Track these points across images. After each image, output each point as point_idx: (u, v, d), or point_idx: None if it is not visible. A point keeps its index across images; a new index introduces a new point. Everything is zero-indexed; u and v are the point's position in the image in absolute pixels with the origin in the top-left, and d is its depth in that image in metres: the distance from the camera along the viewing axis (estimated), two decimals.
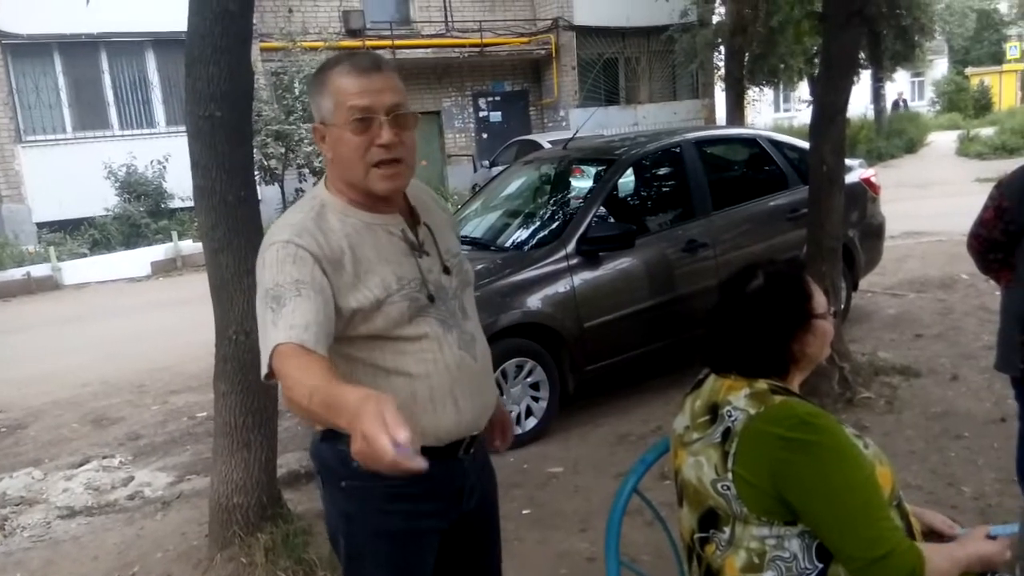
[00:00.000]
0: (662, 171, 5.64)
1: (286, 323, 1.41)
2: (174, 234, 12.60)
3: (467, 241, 4.87)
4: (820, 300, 1.58)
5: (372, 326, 1.55)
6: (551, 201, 5.37)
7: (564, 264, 4.44)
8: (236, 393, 3.02)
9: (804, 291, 1.56)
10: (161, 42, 14.26)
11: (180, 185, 12.58)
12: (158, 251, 12.45)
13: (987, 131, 20.84)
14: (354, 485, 1.61)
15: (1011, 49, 32.66)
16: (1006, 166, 3.55)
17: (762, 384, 1.50)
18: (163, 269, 12.14)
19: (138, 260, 12.14)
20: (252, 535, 3.05)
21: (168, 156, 13.34)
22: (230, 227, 2.96)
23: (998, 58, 34.30)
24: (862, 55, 17.35)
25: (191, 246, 12.20)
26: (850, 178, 5.19)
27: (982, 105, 30.11)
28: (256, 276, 1.53)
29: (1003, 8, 36.74)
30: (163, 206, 13.71)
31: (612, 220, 4.93)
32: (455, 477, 1.68)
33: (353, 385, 1.32)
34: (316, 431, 1.66)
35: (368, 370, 1.57)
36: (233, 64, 2.89)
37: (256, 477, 3.09)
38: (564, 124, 18.05)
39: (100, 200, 13.23)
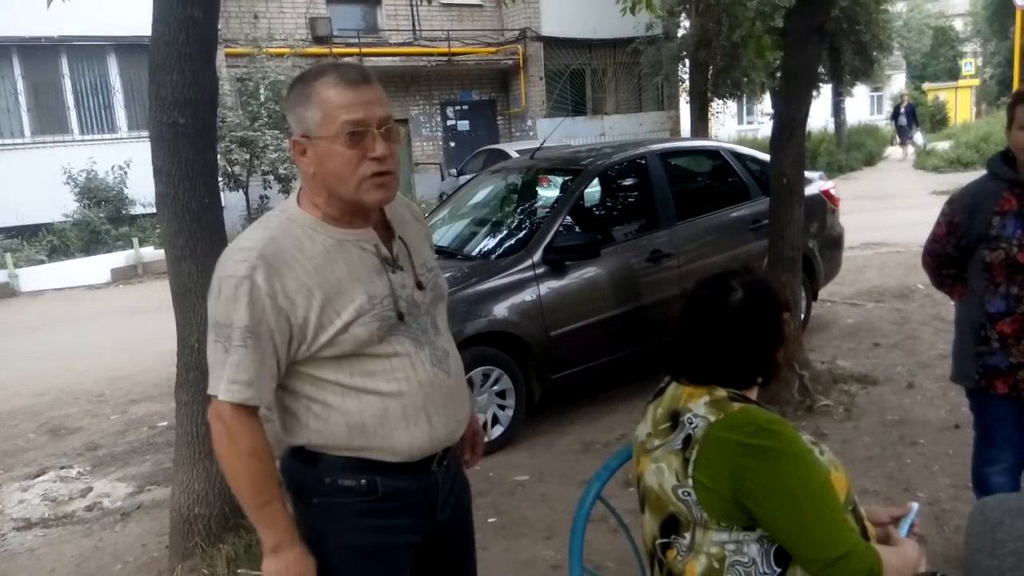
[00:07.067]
0: (627, 182, 5.70)
1: (230, 375, 1.46)
2: (135, 241, 12.39)
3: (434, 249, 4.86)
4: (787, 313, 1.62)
5: (339, 348, 1.51)
6: (518, 210, 5.40)
7: (530, 273, 4.46)
8: (198, 402, 3.00)
9: (781, 306, 1.59)
10: (124, 46, 14.06)
11: (142, 191, 12.39)
12: (118, 258, 12.21)
13: (943, 145, 21.35)
14: (326, 502, 1.58)
15: (966, 65, 33.57)
16: (961, 179, 3.65)
17: (721, 392, 1.53)
18: (123, 276, 11.90)
19: (98, 267, 11.89)
20: (214, 546, 3.02)
21: (130, 162, 13.14)
22: (193, 234, 2.95)
23: (954, 74, 35.21)
24: (822, 70, 17.73)
25: (152, 253, 11.99)
26: (810, 190, 5.30)
27: (938, 120, 30.85)
28: (211, 294, 1.50)
29: (959, 26, 37.82)
30: (124, 212, 13.49)
31: (578, 230, 4.97)
32: (428, 491, 1.66)
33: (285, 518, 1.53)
34: (285, 447, 1.64)
35: (336, 389, 1.54)
36: (197, 71, 2.88)
37: (218, 487, 3.06)
38: (531, 134, 18.13)
39: (59, 206, 13.00)
